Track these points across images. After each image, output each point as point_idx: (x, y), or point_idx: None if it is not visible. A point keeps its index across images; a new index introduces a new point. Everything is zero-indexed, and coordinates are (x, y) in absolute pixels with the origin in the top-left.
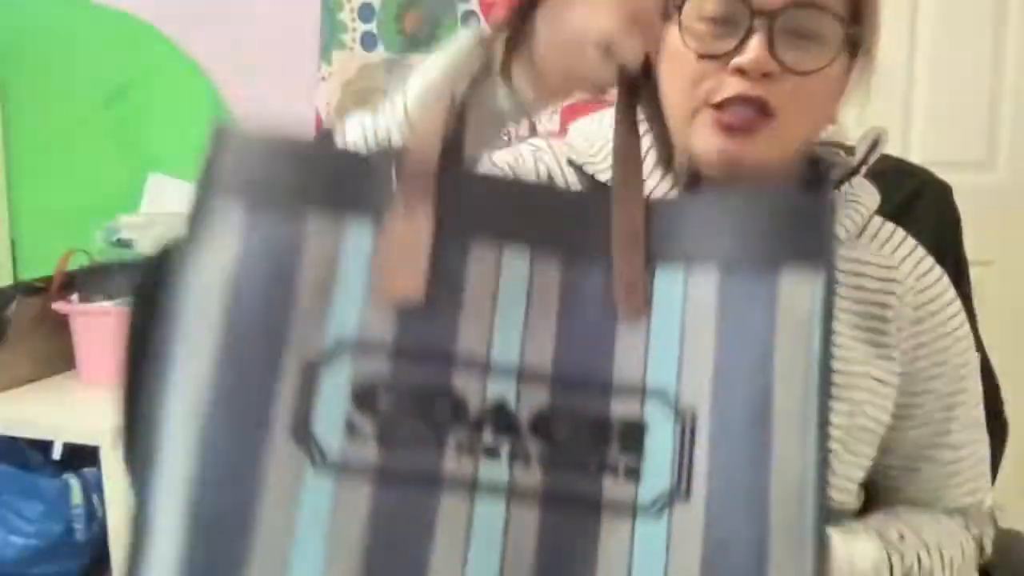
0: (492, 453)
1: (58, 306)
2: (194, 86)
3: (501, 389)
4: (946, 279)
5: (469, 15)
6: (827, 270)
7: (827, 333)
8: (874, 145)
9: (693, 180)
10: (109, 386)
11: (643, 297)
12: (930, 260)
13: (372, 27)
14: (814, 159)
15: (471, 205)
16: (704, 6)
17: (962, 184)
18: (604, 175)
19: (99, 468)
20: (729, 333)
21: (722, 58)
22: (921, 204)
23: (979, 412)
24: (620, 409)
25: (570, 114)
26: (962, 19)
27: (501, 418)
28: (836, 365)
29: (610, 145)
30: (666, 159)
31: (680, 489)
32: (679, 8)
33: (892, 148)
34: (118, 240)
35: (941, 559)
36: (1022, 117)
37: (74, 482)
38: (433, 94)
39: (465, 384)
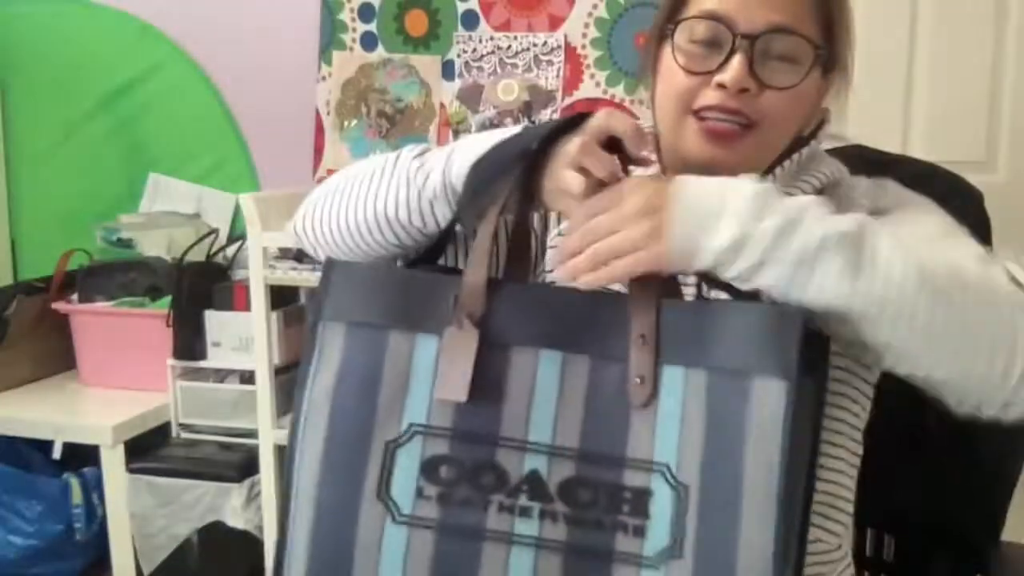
0: (526, 512)
1: (58, 306)
2: (194, 86)
3: (535, 463)
4: (900, 192)
5: (469, 15)
6: (790, 381)
7: (794, 430)
8: (820, 124)
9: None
10: (109, 386)
11: (652, 390)
12: (889, 187)
13: (372, 27)
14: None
15: (513, 317)
16: (694, 29)
17: None
18: None
19: (99, 468)
20: (714, 426)
21: (707, 75)
22: (949, 209)
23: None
24: (631, 479)
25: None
26: (962, 19)
27: (535, 486)
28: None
29: None
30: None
31: (676, 547)
32: (672, 32)
33: (892, 148)
34: (118, 240)
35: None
36: (1022, 117)
37: (74, 482)
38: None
39: (507, 459)
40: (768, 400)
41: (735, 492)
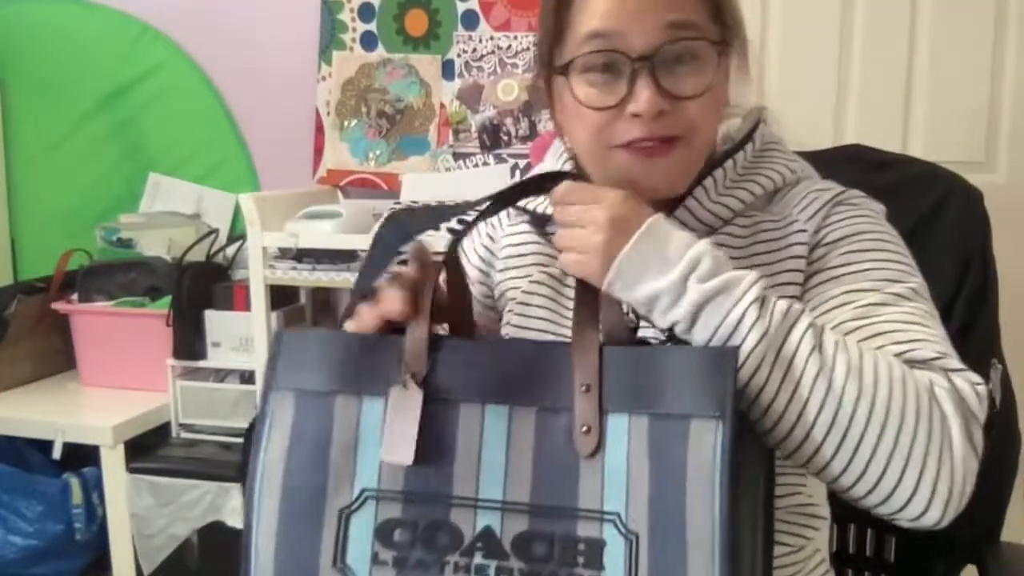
0: (482, 571)
1: (58, 306)
2: (194, 86)
3: (488, 519)
4: (842, 204)
5: (469, 15)
6: (724, 419)
7: (732, 470)
8: (756, 125)
9: None
10: (109, 386)
11: (598, 440)
12: (824, 196)
13: (372, 27)
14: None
15: (457, 374)
16: (587, 64)
17: None
18: (532, 203)
19: (99, 468)
20: (658, 471)
21: (616, 107)
22: (949, 209)
23: (901, 289)
24: (584, 530)
25: None
26: (962, 19)
27: (489, 543)
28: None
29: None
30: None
31: None
32: (565, 68)
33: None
34: (118, 240)
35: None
36: (1022, 117)
37: (74, 482)
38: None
39: (460, 518)
40: (704, 440)
41: (681, 536)
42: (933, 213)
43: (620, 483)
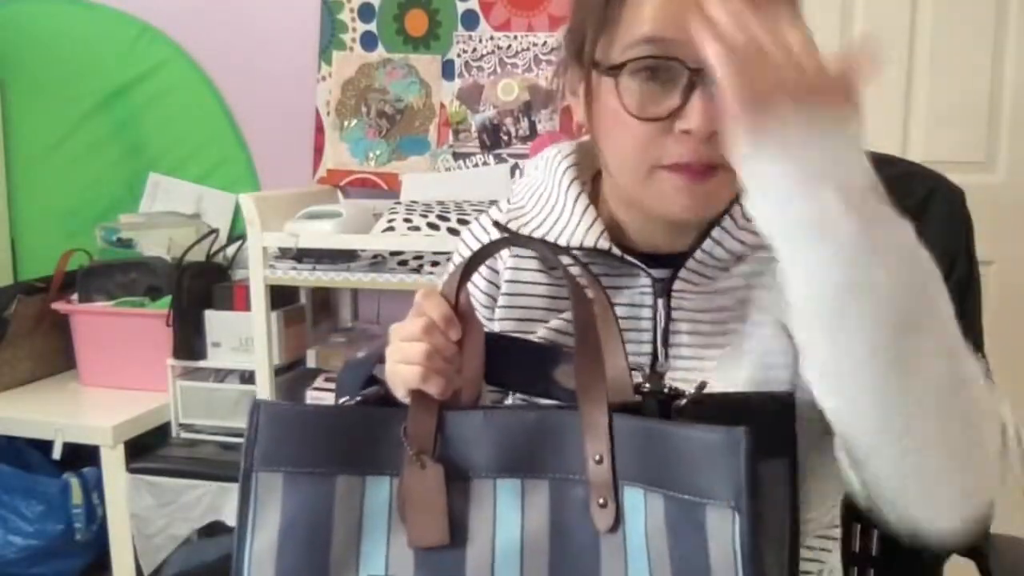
0: None
1: (58, 306)
2: (194, 86)
3: None
4: None
5: (469, 15)
6: (741, 511)
7: (751, 560)
8: None
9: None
10: (109, 386)
11: (616, 514)
12: None
13: (372, 27)
14: None
15: (467, 449)
16: (639, 65)
17: (962, 184)
18: (536, 230)
19: (99, 468)
20: (677, 554)
21: (665, 119)
22: (929, 211)
23: None
24: None
25: (569, 114)
26: (962, 19)
27: None
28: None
29: (536, 195)
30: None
31: None
32: (616, 69)
33: (892, 148)
34: (118, 240)
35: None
36: (1022, 117)
37: (74, 482)
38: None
39: None
40: (723, 531)
41: None
42: (917, 212)
43: (642, 561)
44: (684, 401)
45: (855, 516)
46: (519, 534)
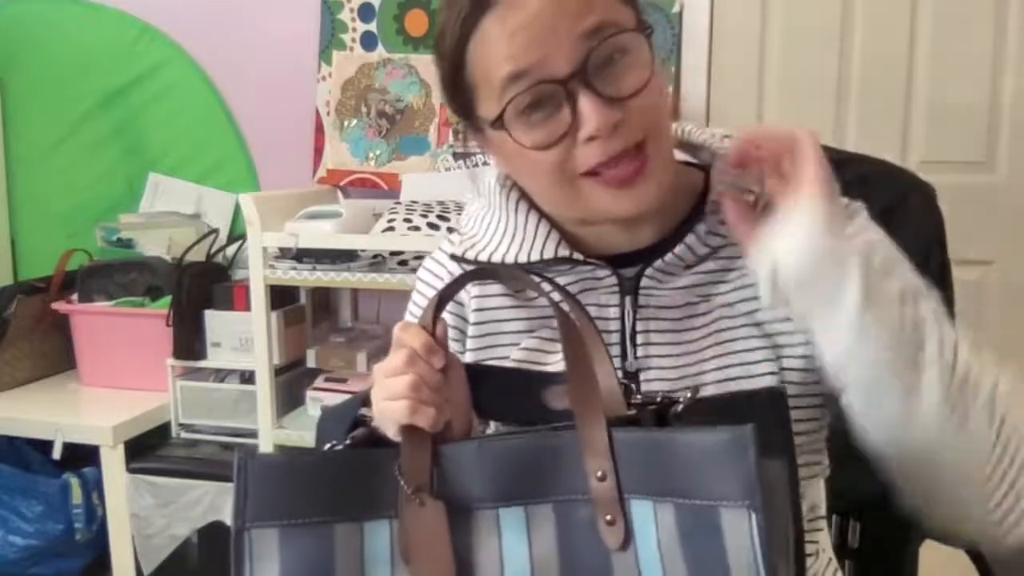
0: None
1: (58, 306)
2: (194, 86)
3: None
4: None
5: None
6: (756, 509)
7: (769, 558)
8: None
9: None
10: (109, 386)
11: (625, 530)
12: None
13: (372, 27)
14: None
15: (465, 481)
16: (518, 105)
17: (962, 184)
18: (483, 254)
19: (99, 468)
20: (693, 562)
21: (567, 136)
22: (907, 206)
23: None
24: None
25: None
26: (962, 19)
27: None
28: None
29: (483, 223)
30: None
31: None
32: (498, 120)
33: (892, 148)
34: (118, 240)
35: (951, 352)
36: (1022, 117)
37: (74, 482)
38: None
39: None
40: (740, 531)
41: None
42: (893, 207)
43: (657, 574)
44: (680, 408)
45: (835, 510)
46: (528, 563)
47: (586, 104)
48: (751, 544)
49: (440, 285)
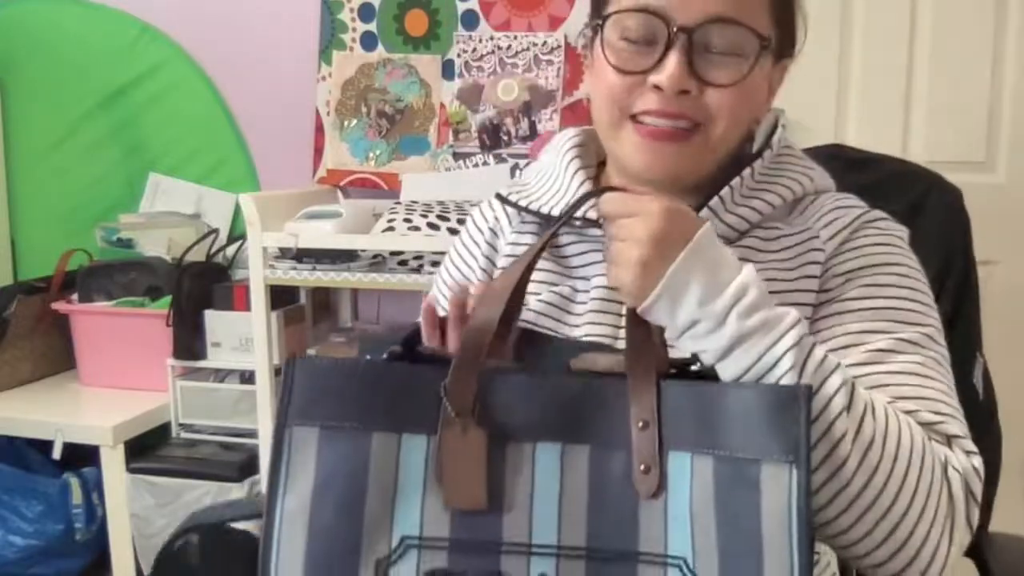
0: None
1: (58, 306)
2: (194, 86)
3: (543, 567)
4: (867, 228)
5: (469, 15)
6: (800, 466)
7: (806, 516)
8: (773, 129)
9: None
10: (109, 386)
11: (659, 480)
12: (849, 215)
13: (372, 27)
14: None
15: (507, 410)
16: (625, 23)
17: (962, 184)
18: (535, 203)
19: (99, 468)
20: (727, 517)
21: (640, 74)
22: (929, 207)
23: (914, 335)
24: (646, 574)
25: (569, 114)
26: (962, 19)
27: None
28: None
29: (541, 174)
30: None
31: None
32: (602, 26)
33: (892, 148)
34: (118, 240)
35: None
36: (1022, 117)
37: (74, 482)
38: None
39: (512, 566)
40: (778, 486)
41: None
42: (914, 210)
43: (684, 526)
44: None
45: None
46: (556, 501)
47: (673, 59)
48: (787, 500)
49: (485, 225)
